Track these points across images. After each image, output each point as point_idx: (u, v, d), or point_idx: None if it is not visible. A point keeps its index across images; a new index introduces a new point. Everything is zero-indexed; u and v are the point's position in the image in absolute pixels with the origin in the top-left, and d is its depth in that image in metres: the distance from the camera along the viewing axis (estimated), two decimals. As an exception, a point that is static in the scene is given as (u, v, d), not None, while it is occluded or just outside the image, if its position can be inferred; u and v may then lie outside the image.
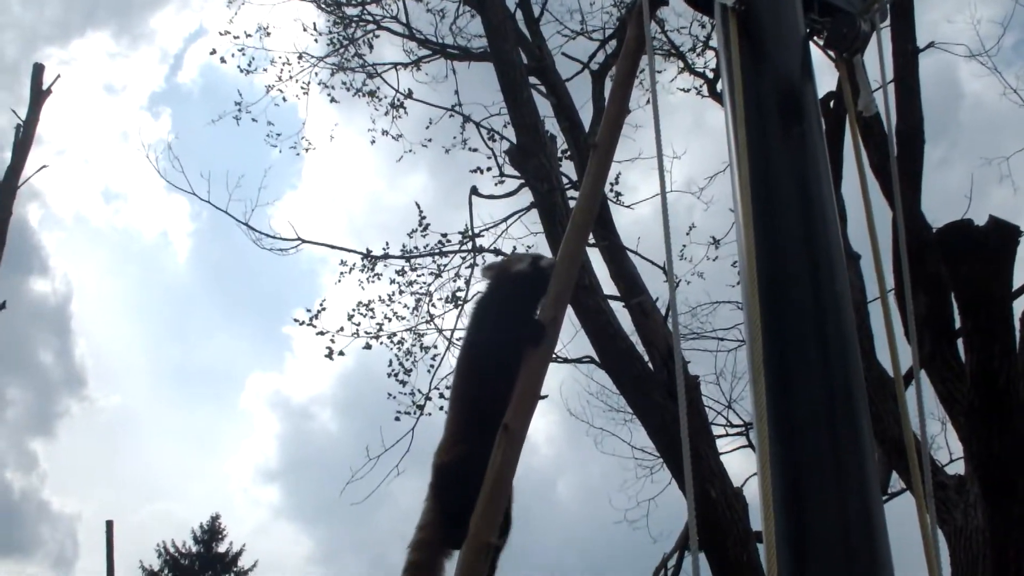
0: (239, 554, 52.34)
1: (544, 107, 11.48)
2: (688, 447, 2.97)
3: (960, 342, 8.05)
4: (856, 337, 3.26)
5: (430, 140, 14.64)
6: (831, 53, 3.94)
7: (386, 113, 14.83)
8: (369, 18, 14.58)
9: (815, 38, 3.88)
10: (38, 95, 17.87)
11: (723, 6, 3.62)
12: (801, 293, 3.20)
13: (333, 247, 13.79)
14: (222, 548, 52.44)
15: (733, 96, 3.48)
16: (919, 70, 9.38)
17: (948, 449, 12.32)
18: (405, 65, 14.58)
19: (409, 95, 14.48)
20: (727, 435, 13.48)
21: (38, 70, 18.11)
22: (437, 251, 13.08)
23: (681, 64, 14.23)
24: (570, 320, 9.54)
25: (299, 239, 12.68)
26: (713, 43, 12.69)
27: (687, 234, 13.76)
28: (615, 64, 4.25)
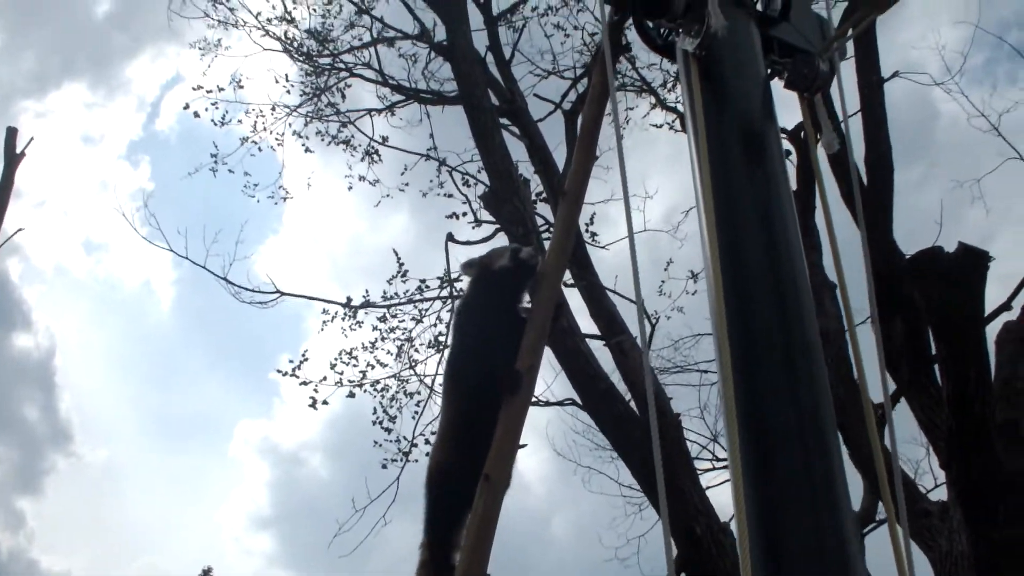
0: (234, 609, 52.00)
1: (518, 149, 11.57)
2: (664, 494, 3.00)
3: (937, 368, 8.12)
4: (823, 364, 3.29)
5: (407, 184, 14.75)
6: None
7: (362, 159, 14.93)
8: (341, 66, 14.69)
9: (777, 78, 3.96)
10: (12, 159, 17.84)
11: (684, 52, 3.69)
12: (768, 326, 3.24)
13: (312, 298, 13.84)
14: (217, 603, 52.07)
15: (697, 139, 3.53)
16: (885, 99, 9.51)
17: (932, 475, 12.37)
18: (379, 111, 14.67)
19: (384, 141, 14.57)
20: (713, 468, 13.50)
21: (11, 134, 18.11)
22: (415, 299, 13.15)
23: (653, 100, 14.33)
24: (550, 362, 9.60)
25: (278, 291, 12.75)
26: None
27: (665, 269, 13.85)
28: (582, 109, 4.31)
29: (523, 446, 3.71)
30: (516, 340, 3.93)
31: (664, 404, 8.94)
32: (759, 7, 3.94)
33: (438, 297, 13.08)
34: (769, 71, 3.86)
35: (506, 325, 4.06)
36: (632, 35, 4.28)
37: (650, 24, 4.07)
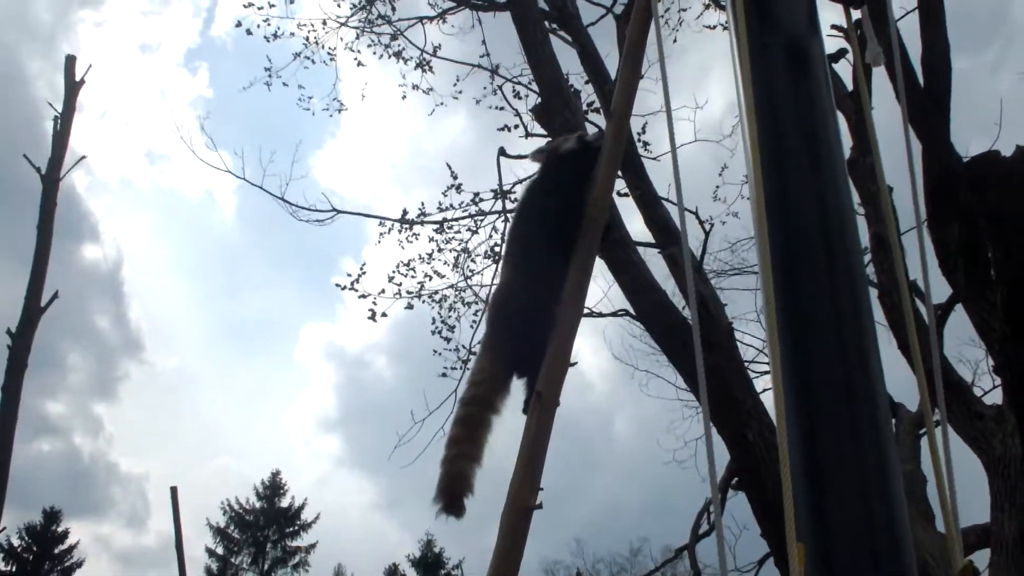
0: (302, 507, 53.42)
1: (569, 57, 11.48)
2: (707, 410, 3.07)
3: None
4: (863, 270, 3.35)
5: (460, 92, 14.73)
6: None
7: (415, 68, 14.91)
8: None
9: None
10: (72, 87, 18.19)
11: (726, -35, 3.68)
12: (809, 233, 3.30)
13: (366, 215, 14.00)
14: (285, 502, 53.54)
15: (740, 54, 3.54)
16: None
17: (991, 376, 12.33)
18: (430, 19, 14.59)
19: (435, 52, 14.52)
20: (769, 372, 13.51)
21: (70, 62, 18.47)
22: (471, 213, 13.21)
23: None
24: (602, 273, 9.65)
25: (334, 209, 12.91)
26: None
27: (720, 175, 13.77)
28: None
29: (574, 364, 3.78)
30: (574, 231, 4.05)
31: (718, 311, 8.96)
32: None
33: (490, 212, 13.15)
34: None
35: (570, 206, 4.17)
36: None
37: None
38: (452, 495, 4.13)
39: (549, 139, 4.39)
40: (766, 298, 3.11)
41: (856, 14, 4.02)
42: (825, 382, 3.08)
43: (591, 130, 8.70)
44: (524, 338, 4.14)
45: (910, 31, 9.27)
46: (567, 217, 4.13)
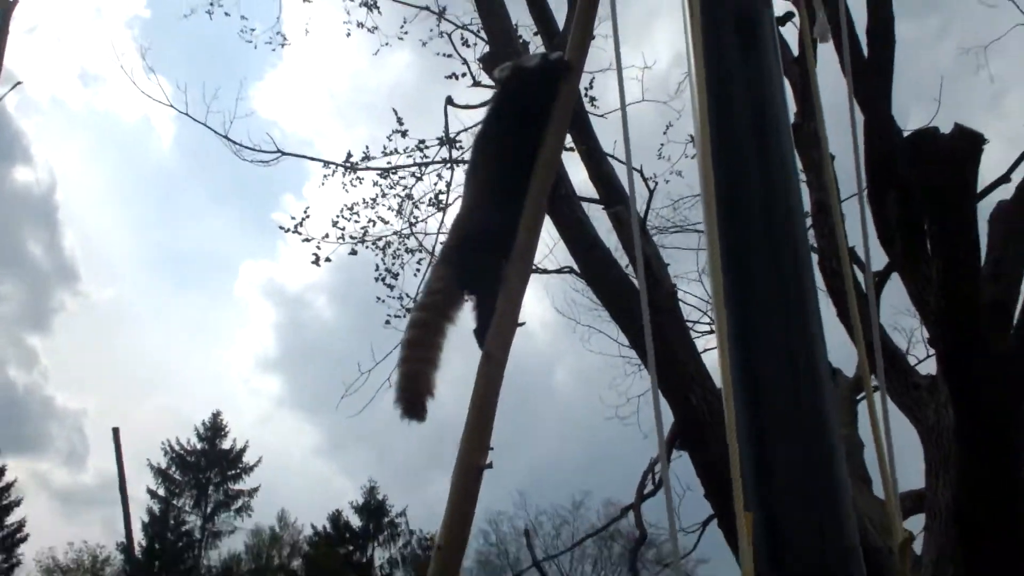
0: (243, 450, 53.29)
1: (518, 7, 11.40)
2: (655, 377, 3.10)
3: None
4: (806, 236, 3.41)
5: (406, 33, 14.57)
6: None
7: (360, 5, 14.70)
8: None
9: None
10: (5, 6, 17.67)
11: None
12: (752, 197, 3.36)
13: (311, 159, 13.90)
14: (226, 444, 53.35)
15: (692, 23, 3.55)
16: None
17: (925, 346, 12.57)
18: (378, -44, 14.39)
19: (381, -10, 14.30)
20: (711, 332, 13.69)
21: (1, -22, 17.88)
22: (414, 161, 13.15)
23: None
24: (547, 230, 9.65)
25: (279, 151, 12.79)
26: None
27: (664, 133, 13.80)
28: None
29: (522, 324, 3.79)
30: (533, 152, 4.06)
31: (661, 272, 9.00)
32: None
33: (437, 160, 13.09)
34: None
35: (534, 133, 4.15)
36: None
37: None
38: (412, 396, 4.12)
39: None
40: (712, 268, 3.14)
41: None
42: (769, 348, 3.15)
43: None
44: (479, 258, 4.15)
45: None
46: (529, 135, 4.13)
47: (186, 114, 12.70)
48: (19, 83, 17.87)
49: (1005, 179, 9.79)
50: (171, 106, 12.99)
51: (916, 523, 8.76)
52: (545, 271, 11.87)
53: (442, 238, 12.54)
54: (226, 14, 14.73)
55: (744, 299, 3.22)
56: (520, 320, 3.84)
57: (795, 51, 10.48)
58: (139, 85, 14.11)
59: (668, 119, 14.05)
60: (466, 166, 4.84)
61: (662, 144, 13.81)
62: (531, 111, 4.24)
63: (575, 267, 9.93)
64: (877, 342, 3.76)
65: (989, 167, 8.28)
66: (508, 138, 4.37)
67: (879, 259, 9.33)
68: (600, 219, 9.69)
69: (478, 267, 4.16)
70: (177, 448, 53.17)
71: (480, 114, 12.52)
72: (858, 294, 8.63)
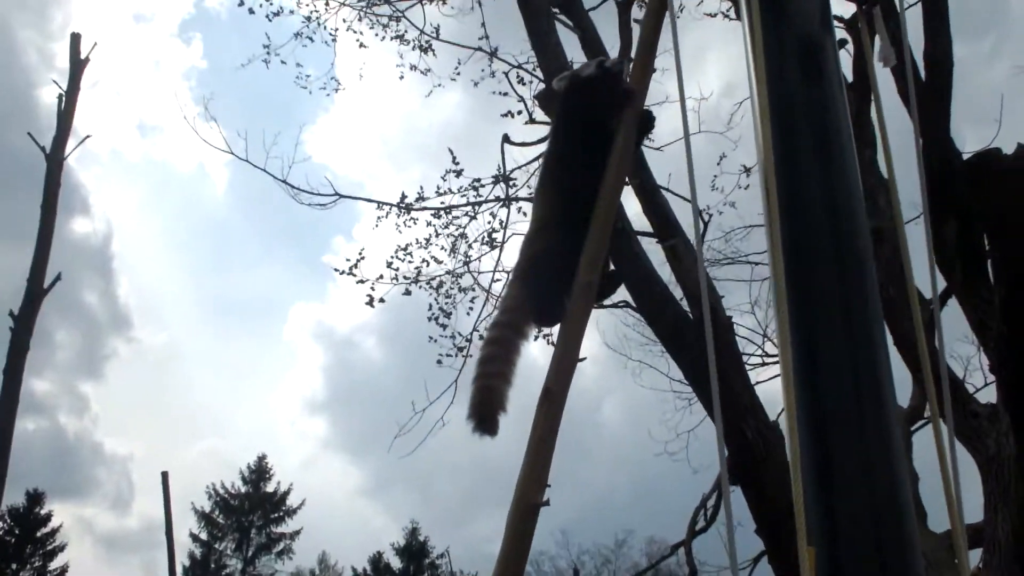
0: (287, 493, 53.42)
1: (570, 43, 11.44)
2: (719, 410, 3.09)
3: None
4: (872, 262, 3.37)
5: (459, 73, 14.70)
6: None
7: (413, 48, 14.87)
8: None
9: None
10: (77, 65, 18.13)
11: (743, -40, 3.68)
12: (820, 227, 3.33)
13: (368, 200, 14.00)
14: (270, 487, 53.51)
15: (754, 49, 3.54)
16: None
17: (983, 373, 12.35)
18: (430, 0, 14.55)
19: (436, 34, 14.47)
20: (764, 364, 13.59)
21: (75, 39, 18.39)
22: (467, 201, 13.23)
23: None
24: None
25: (336, 194, 12.92)
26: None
27: (718, 164, 13.75)
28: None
29: (582, 359, 3.78)
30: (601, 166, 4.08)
31: (716, 305, 8.97)
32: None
33: (491, 198, 13.15)
34: (829, -22, 3.84)
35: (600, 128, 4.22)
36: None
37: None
38: (485, 411, 4.15)
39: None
40: (777, 300, 3.12)
41: (849, 7, 4.02)
42: (835, 381, 3.11)
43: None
44: (546, 279, 4.23)
45: (912, 22, 9.28)
46: (592, 146, 4.18)
47: (247, 160, 12.85)
48: (88, 137, 18.26)
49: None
50: (231, 153, 13.13)
51: (973, 558, 8.57)
52: (602, 306, 11.83)
53: (498, 276, 12.64)
54: (282, 62, 14.97)
55: (809, 330, 3.20)
56: (581, 356, 3.84)
57: (848, 77, 10.43)
58: (199, 133, 14.22)
59: (721, 150, 14.00)
60: (535, 185, 4.91)
61: (715, 176, 13.75)
62: (594, 120, 4.29)
63: (631, 301, 9.88)
64: (944, 371, 3.70)
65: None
66: (572, 152, 4.42)
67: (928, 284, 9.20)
68: (653, 252, 9.69)
69: (547, 287, 4.20)
70: (221, 491, 53.41)
71: (537, 150, 12.64)
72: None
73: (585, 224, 3.98)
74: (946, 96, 8.90)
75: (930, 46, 8.98)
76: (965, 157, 8.28)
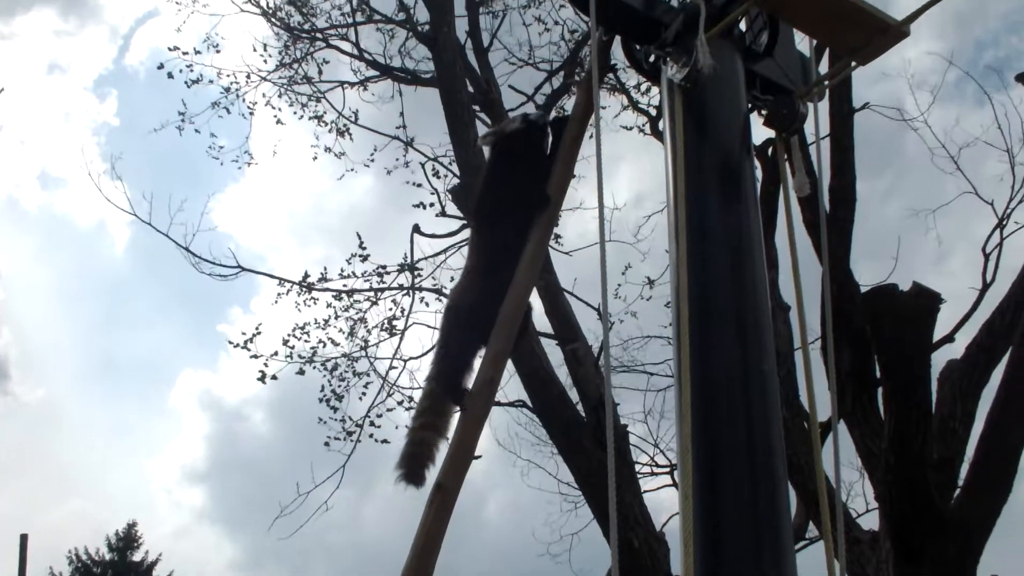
0: (155, 563, 51.40)
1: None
2: (616, 517, 3.07)
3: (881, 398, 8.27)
4: (776, 383, 3.41)
5: (373, 160, 14.71)
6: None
7: (329, 131, 14.86)
8: (319, 36, 14.60)
9: (756, 113, 4.04)
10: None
11: (670, 81, 3.76)
12: (730, 353, 3.34)
13: (270, 276, 13.83)
14: (137, 556, 51.49)
15: (675, 166, 3.61)
16: (854, 129, 9.64)
17: (864, 499, 12.54)
18: (352, 84, 14.61)
19: (355, 119, 14.50)
20: (653, 473, 13.62)
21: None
22: (371, 287, 13.19)
23: (625, 100, 14.26)
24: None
25: (239, 266, 12.76)
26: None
27: (623, 274, 13.90)
28: (568, 114, 4.40)
29: (478, 457, 3.75)
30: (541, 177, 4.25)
31: (613, 414, 9.00)
32: (746, 41, 4.02)
33: (397, 288, 13.14)
34: (750, 106, 3.94)
35: (527, 178, 4.33)
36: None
37: (638, 47, 4.14)
38: (414, 463, 4.19)
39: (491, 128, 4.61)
40: (680, 413, 3.13)
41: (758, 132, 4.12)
42: (733, 501, 3.11)
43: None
44: (468, 327, 4.32)
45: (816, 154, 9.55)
46: (521, 195, 4.29)
47: (149, 224, 12.63)
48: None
49: (949, 339, 9.93)
50: (134, 215, 12.92)
51: None
52: (499, 403, 11.79)
53: (396, 364, 12.58)
54: (196, 131, 14.80)
55: (711, 446, 3.20)
56: (477, 453, 3.81)
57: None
58: (102, 191, 13.89)
59: (627, 259, 14.13)
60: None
61: (619, 284, 13.89)
62: (521, 170, 4.40)
63: (527, 401, 9.87)
64: (840, 504, 3.74)
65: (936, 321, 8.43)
66: (501, 198, 4.49)
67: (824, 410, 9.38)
68: (552, 353, 9.71)
69: (465, 336, 4.29)
70: (84, 558, 51.21)
71: (446, 243, 12.70)
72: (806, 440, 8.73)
73: (500, 283, 4.09)
74: (848, 229, 9.17)
75: (836, 180, 9.28)
76: (862, 290, 8.53)
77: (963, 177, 11.35)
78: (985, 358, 8.24)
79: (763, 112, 4.01)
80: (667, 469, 13.28)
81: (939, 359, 8.71)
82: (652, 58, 4.07)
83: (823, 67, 7.20)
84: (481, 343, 4.06)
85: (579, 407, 9.31)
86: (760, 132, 4.13)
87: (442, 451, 4.16)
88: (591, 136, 4.18)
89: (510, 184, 4.46)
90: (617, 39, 4.22)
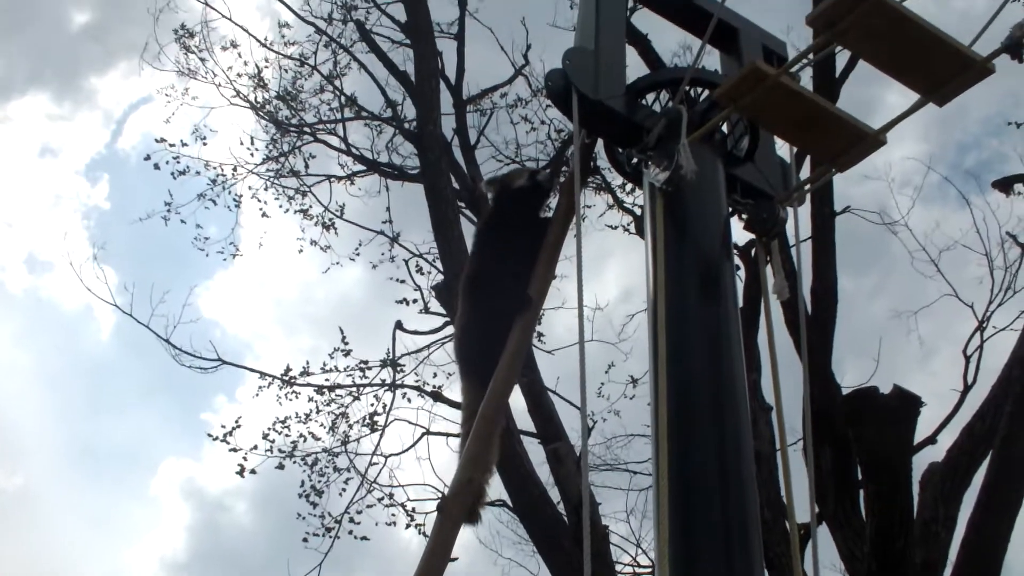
0: (124, 662, 50.36)
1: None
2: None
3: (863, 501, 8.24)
4: (755, 482, 3.39)
5: (358, 254, 14.79)
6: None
7: (315, 224, 14.95)
8: (307, 130, 14.75)
9: (737, 217, 4.08)
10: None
11: (652, 184, 3.80)
12: (707, 456, 3.33)
13: (251, 370, 13.85)
14: (106, 654, 50.40)
15: (655, 268, 3.63)
16: (839, 228, 9.75)
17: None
18: (339, 178, 14.73)
19: (341, 213, 14.60)
20: (635, 575, 13.44)
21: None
22: (353, 382, 13.21)
23: (611, 200, 14.39)
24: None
25: (219, 359, 12.78)
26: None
27: (606, 372, 13.88)
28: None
29: (454, 559, 3.71)
30: (531, 259, 4.31)
31: (594, 513, 8.93)
32: (727, 145, 4.08)
33: (379, 384, 13.13)
34: (730, 209, 3.98)
35: (522, 246, 4.41)
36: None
37: (620, 150, 4.20)
38: (473, 508, 4.26)
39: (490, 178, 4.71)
40: (658, 517, 3.12)
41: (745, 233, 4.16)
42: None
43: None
44: (487, 364, 4.26)
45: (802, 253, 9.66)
46: (516, 251, 4.41)
47: (130, 315, 12.72)
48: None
49: (931, 440, 9.95)
50: (115, 306, 13.03)
51: None
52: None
53: (376, 460, 12.50)
54: (182, 221, 14.86)
55: (689, 548, 3.18)
56: (453, 556, 3.77)
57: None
58: (84, 281, 13.94)
59: (612, 358, 14.13)
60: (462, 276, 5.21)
61: (603, 383, 13.89)
62: (519, 226, 4.52)
63: (507, 500, 9.80)
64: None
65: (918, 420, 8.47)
66: (501, 245, 4.61)
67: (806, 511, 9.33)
68: (534, 452, 9.66)
69: (479, 361, 4.36)
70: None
71: (429, 339, 12.72)
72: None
73: (506, 310, 4.20)
74: (829, 330, 9.23)
75: (817, 282, 9.37)
76: (844, 391, 8.56)
77: (945, 281, 11.54)
78: (966, 461, 8.24)
79: (743, 216, 4.05)
80: (649, 569, 13.12)
81: (922, 460, 8.73)
82: (634, 160, 4.11)
83: (805, 171, 7.31)
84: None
85: (560, 507, 9.24)
86: (744, 232, 4.18)
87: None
88: (576, 234, 4.23)
89: (505, 242, 4.58)
90: (601, 141, 4.29)
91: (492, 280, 4.55)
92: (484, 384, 4.21)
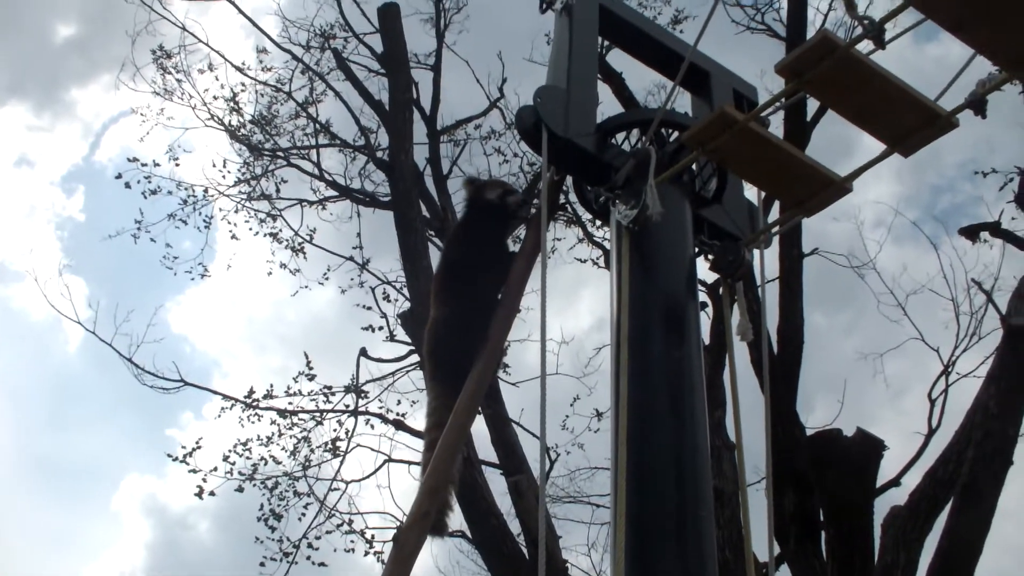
0: None
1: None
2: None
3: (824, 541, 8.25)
4: (712, 521, 3.39)
5: (327, 279, 14.81)
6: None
7: (284, 247, 14.94)
8: (280, 154, 14.75)
9: (703, 257, 4.10)
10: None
11: (618, 223, 3.81)
12: (665, 490, 3.33)
13: (214, 392, 13.80)
14: (58, 674, 49.62)
15: (620, 305, 3.63)
16: (807, 268, 9.82)
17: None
18: (310, 203, 14.73)
19: (311, 238, 14.60)
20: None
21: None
22: (316, 407, 13.17)
23: (580, 233, 14.42)
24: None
25: (181, 381, 12.72)
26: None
27: (571, 405, 13.88)
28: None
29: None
30: (499, 272, 4.37)
31: (554, 548, 8.91)
32: (695, 186, 4.09)
33: (342, 410, 13.09)
34: (696, 249, 4.00)
35: (488, 255, 4.53)
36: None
37: (588, 187, 4.20)
38: (438, 519, 4.28)
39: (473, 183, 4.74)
40: (615, 548, 3.11)
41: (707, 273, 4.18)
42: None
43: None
44: (458, 365, 4.29)
45: (768, 294, 9.69)
46: (481, 258, 4.52)
47: (93, 333, 12.65)
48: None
49: (895, 483, 9.98)
50: (79, 323, 12.96)
51: None
52: (439, 534, 11.59)
53: (337, 486, 12.42)
54: (152, 240, 14.80)
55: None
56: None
57: (705, 339, 10.78)
58: (49, 298, 13.90)
59: (576, 391, 14.14)
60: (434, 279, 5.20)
61: (567, 416, 13.90)
62: (483, 239, 4.59)
63: (466, 531, 9.76)
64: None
65: (883, 461, 8.50)
66: (464, 257, 4.66)
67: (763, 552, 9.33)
68: (494, 482, 9.63)
69: (461, 374, 4.27)
70: None
71: (393, 367, 12.69)
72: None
73: (477, 314, 4.27)
74: (794, 371, 9.27)
75: (784, 323, 9.42)
76: (811, 431, 8.59)
77: (912, 325, 11.61)
78: (928, 506, 8.26)
79: (709, 257, 4.07)
80: (611, 607, 13.07)
81: (885, 503, 8.75)
82: (602, 198, 4.12)
83: (774, 213, 7.36)
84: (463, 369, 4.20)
85: (521, 540, 9.21)
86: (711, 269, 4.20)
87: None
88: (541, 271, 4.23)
89: (473, 244, 4.68)
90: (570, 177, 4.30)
91: (465, 272, 4.59)
92: (452, 388, 4.25)
